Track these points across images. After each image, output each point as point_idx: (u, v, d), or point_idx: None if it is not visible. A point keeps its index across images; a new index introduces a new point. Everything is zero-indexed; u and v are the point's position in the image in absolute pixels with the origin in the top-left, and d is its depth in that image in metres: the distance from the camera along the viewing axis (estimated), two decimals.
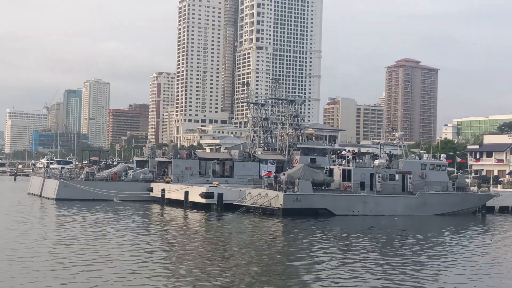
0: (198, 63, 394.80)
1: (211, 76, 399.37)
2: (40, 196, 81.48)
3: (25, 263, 29.81)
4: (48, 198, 77.39)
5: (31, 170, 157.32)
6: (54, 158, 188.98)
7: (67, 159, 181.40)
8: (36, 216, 55.61)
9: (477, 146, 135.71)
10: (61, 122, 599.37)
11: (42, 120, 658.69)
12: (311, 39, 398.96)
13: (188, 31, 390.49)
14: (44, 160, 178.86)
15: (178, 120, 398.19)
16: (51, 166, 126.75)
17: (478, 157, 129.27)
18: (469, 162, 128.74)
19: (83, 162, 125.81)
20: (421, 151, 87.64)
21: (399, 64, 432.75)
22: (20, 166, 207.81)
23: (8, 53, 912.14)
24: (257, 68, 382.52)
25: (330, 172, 68.90)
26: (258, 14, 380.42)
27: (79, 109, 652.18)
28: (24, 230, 43.79)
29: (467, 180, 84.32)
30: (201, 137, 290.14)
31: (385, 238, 45.78)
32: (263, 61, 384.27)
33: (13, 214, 55.76)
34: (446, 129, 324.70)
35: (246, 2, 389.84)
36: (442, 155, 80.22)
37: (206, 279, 27.19)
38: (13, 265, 29.27)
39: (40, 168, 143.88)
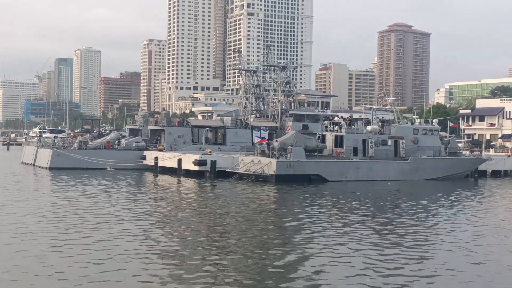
0: (189, 30, 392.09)
1: (203, 43, 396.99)
2: (34, 165, 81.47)
3: (22, 232, 29.92)
4: (42, 167, 77.40)
5: (24, 140, 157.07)
6: (46, 127, 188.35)
7: (59, 128, 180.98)
8: (31, 186, 55.64)
9: (469, 111, 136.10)
10: (52, 91, 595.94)
11: (33, 89, 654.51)
12: (302, 5, 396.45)
13: None
14: (36, 129, 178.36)
15: (169, 88, 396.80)
16: (44, 135, 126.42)
17: (470, 121, 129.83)
18: (462, 127, 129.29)
19: (76, 131, 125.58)
20: (413, 116, 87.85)
21: (391, 29, 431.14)
22: (13, 136, 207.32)
23: None
24: (249, 35, 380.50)
25: (323, 138, 69.03)
26: None
27: (71, 78, 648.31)
28: (21, 199, 43.79)
29: (460, 145, 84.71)
30: (193, 104, 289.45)
31: (377, 203, 46.06)
32: (254, 27, 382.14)
33: (9, 184, 55.73)
34: (438, 93, 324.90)
35: None
36: (434, 120, 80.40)
37: (199, 246, 27.38)
38: (15, 238, 29.35)
39: (33, 137, 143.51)
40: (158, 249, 26.51)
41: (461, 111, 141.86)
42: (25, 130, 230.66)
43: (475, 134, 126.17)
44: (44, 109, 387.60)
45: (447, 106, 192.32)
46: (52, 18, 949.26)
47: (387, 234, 31.62)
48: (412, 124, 75.93)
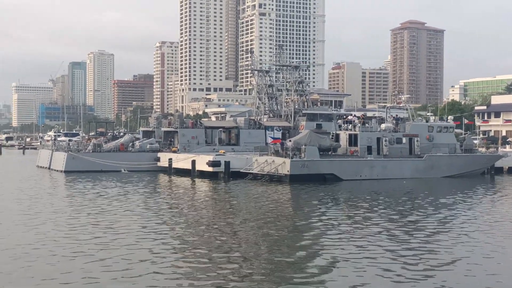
0: (201, 31, 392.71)
1: (215, 44, 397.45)
2: (49, 168, 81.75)
3: (39, 236, 29.97)
4: (57, 171, 77.66)
5: (39, 143, 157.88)
6: (61, 131, 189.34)
7: (74, 131, 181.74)
8: (47, 189, 55.75)
9: (484, 107, 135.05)
10: (66, 94, 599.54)
11: (48, 93, 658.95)
12: (314, 4, 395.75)
13: None
14: (51, 133, 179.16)
15: (182, 89, 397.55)
16: (58, 139, 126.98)
17: (486, 118, 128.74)
18: (477, 123, 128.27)
19: (90, 134, 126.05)
20: (428, 114, 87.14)
21: (404, 26, 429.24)
22: (28, 139, 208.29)
23: (11, 26, 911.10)
24: (261, 35, 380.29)
25: (337, 137, 68.74)
26: None
27: (84, 81, 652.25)
28: (39, 203, 43.88)
29: (475, 141, 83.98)
30: (206, 105, 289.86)
31: (394, 202, 45.68)
32: (266, 27, 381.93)
33: (27, 188, 55.88)
34: (453, 90, 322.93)
35: None
36: (449, 117, 79.93)
37: (214, 248, 27.25)
38: (39, 244, 29.37)
39: (48, 141, 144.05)
40: (176, 250, 26.44)
41: (476, 108, 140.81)
42: (40, 134, 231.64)
43: (490, 130, 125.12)
44: (58, 113, 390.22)
45: (462, 103, 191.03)
46: (65, 22, 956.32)
47: (408, 232, 31.29)
48: (427, 121, 75.37)
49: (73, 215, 37.38)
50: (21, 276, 22.04)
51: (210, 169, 66.41)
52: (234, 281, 21.35)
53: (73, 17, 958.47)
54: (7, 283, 21.18)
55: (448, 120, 76.17)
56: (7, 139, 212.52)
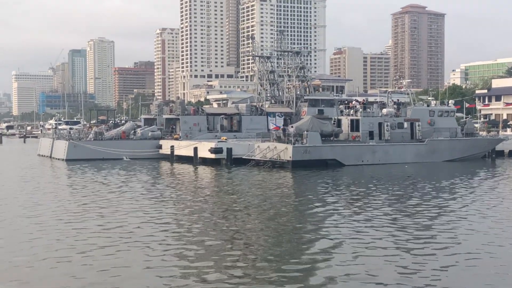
0: (201, 17, 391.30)
1: (215, 30, 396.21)
2: (50, 157, 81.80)
3: (42, 224, 30.13)
4: (58, 159, 77.71)
5: (40, 132, 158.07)
6: (62, 119, 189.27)
7: (75, 120, 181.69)
8: (50, 179, 55.88)
9: (485, 91, 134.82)
10: (67, 82, 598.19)
11: (48, 81, 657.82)
12: None
13: None
14: (52, 121, 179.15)
15: (184, 76, 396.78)
16: (59, 127, 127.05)
17: (486, 101, 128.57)
18: (478, 107, 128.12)
19: (91, 122, 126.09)
20: (429, 98, 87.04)
21: (405, 10, 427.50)
22: (29, 128, 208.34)
23: (10, 15, 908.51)
24: (262, 21, 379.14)
25: (338, 123, 68.81)
26: None
27: (85, 69, 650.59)
28: (43, 192, 44.04)
29: (476, 125, 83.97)
30: (207, 92, 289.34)
31: (397, 186, 45.78)
32: (267, 13, 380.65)
33: (33, 177, 56.02)
34: (454, 74, 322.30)
35: None
36: (450, 101, 79.78)
37: (217, 235, 27.38)
38: (44, 230, 29.53)
39: (48, 129, 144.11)
40: (181, 238, 26.54)
41: (477, 92, 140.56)
42: (40, 122, 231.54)
43: (491, 114, 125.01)
44: (59, 101, 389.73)
45: (463, 86, 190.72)
46: (65, 10, 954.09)
47: (412, 217, 31.36)
48: (428, 106, 75.37)
49: (78, 204, 37.50)
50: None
51: (212, 156, 66.53)
52: (240, 268, 21.47)
53: (74, 5, 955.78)
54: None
55: (449, 104, 76.10)
56: (8, 128, 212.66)
